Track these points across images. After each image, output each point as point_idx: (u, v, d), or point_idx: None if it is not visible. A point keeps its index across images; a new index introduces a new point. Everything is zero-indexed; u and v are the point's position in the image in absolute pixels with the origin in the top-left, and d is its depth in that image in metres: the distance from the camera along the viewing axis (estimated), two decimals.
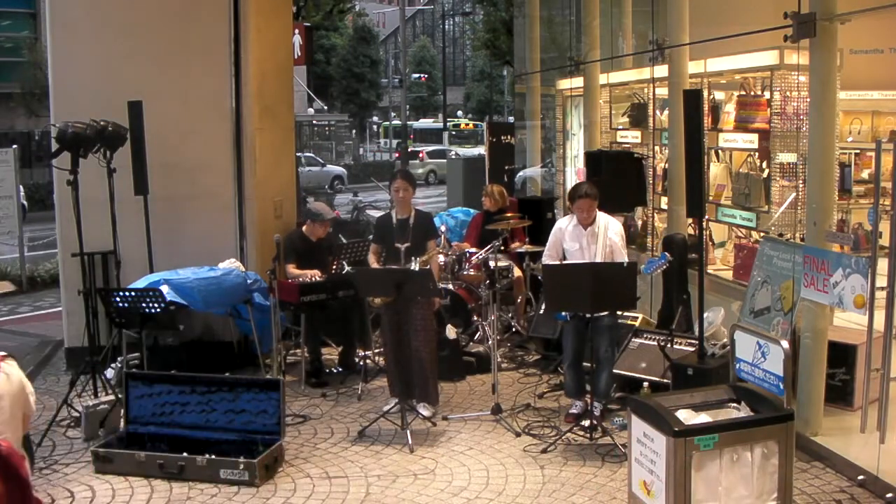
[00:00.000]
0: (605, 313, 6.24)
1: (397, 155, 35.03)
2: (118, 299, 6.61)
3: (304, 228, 7.92)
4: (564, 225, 6.55)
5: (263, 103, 8.65)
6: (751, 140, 7.62)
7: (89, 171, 7.01)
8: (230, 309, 7.55)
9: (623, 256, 6.36)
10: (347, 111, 43.53)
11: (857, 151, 7.88)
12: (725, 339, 6.31)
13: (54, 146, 6.94)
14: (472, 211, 10.31)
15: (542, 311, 8.07)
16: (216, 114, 8.34)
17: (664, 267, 6.59)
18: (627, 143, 9.99)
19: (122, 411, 6.10)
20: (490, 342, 7.31)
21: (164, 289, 6.85)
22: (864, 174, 7.81)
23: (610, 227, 6.40)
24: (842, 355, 6.18)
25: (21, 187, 13.89)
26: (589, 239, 6.38)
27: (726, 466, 4.32)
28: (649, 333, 7.14)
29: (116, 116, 7.22)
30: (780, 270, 6.01)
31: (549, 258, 6.56)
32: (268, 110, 8.78)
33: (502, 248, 7.63)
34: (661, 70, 8.66)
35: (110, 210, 7.16)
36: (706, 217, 7.25)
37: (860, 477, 5.24)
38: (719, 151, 8.48)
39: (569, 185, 11.82)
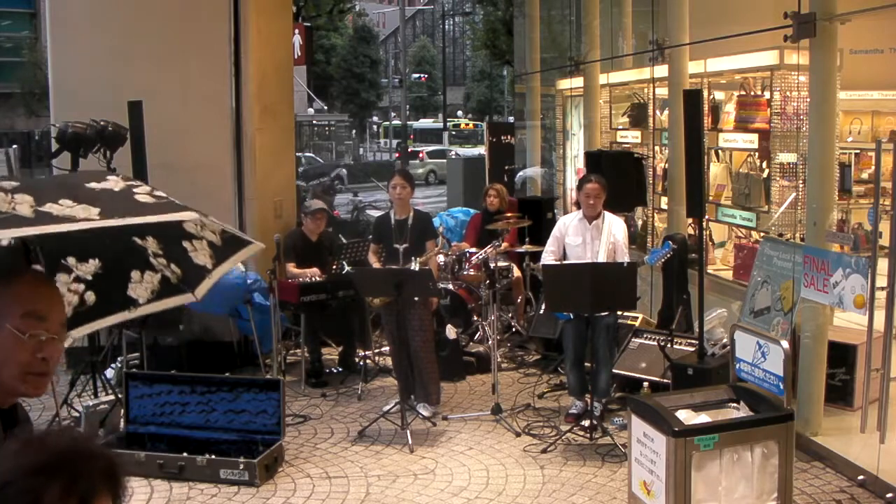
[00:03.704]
0: (606, 313, 6.24)
1: (397, 155, 34.98)
2: None
3: (303, 227, 7.92)
4: (569, 220, 6.54)
5: (263, 103, 8.64)
6: (751, 140, 7.61)
7: None
8: (230, 309, 7.55)
9: (626, 255, 6.36)
10: (347, 111, 43.49)
11: (857, 151, 7.87)
12: (725, 339, 6.30)
13: (54, 146, 6.94)
14: (471, 211, 10.30)
15: (542, 311, 8.07)
16: (216, 114, 8.33)
17: (668, 256, 6.55)
18: (627, 143, 9.98)
19: (122, 411, 6.10)
20: (490, 342, 7.31)
21: None
22: (865, 174, 7.80)
23: (614, 225, 6.41)
24: (842, 355, 6.17)
25: None
26: (593, 233, 6.36)
27: (726, 466, 4.32)
28: (649, 333, 7.13)
29: (116, 116, 7.21)
30: (780, 270, 6.01)
31: (549, 255, 6.52)
32: (268, 110, 8.77)
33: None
34: (661, 70, 8.65)
35: None
36: (706, 217, 7.25)
37: (860, 477, 5.24)
38: (719, 151, 8.48)
39: (569, 186, 11.84)
